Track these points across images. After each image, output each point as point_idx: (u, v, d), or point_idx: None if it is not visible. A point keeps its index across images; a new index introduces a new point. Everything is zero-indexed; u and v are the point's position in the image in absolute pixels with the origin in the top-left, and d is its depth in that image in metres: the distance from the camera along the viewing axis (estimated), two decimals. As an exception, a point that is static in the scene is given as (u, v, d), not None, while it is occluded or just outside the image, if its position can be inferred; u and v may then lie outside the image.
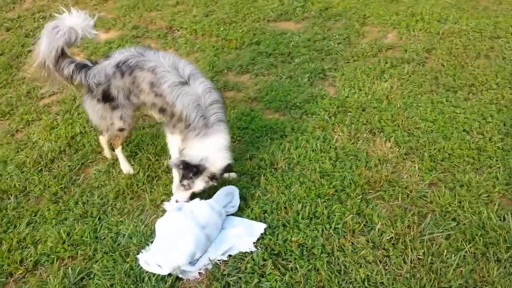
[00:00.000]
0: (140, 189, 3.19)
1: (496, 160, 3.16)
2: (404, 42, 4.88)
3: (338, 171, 3.16)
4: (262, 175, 3.19)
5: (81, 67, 3.03)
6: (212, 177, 2.88)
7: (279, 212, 2.88)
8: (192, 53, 5.11)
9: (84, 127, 3.88)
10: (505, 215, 2.72)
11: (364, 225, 2.74)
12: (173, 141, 3.09)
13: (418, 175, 3.08)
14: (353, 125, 3.62)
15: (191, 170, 2.82)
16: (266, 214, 2.87)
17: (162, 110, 3.01)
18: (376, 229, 2.67)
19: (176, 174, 3.07)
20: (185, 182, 2.89)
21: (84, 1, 6.74)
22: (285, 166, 3.27)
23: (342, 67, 4.50)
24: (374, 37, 5.08)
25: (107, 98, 3.04)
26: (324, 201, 2.92)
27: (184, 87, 2.87)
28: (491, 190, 2.92)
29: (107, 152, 3.52)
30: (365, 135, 3.50)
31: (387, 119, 3.63)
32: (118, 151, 3.39)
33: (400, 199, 2.91)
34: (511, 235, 2.59)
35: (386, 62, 4.48)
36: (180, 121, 2.90)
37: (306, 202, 2.91)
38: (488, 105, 3.73)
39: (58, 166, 3.50)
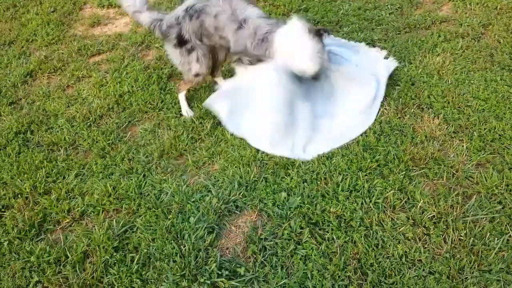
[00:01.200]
0: (184, 150, 3.25)
1: (550, 145, 3.02)
2: (460, 16, 4.65)
3: (382, 145, 3.11)
4: (304, 144, 3.19)
5: (156, 19, 3.35)
6: None
7: (318, 182, 2.88)
8: (239, 17, 5.06)
9: (132, 86, 3.95)
10: (555, 202, 2.63)
11: (406, 201, 2.70)
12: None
13: (465, 155, 2.99)
14: (400, 99, 3.53)
15: None
16: (305, 184, 2.88)
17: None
18: (418, 207, 2.64)
19: None
20: None
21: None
22: (327, 137, 3.25)
23: (393, 38, 4.35)
24: (428, 8, 4.86)
25: (181, 41, 3.28)
26: (366, 175, 2.89)
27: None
28: (541, 175, 2.81)
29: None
30: (412, 110, 3.41)
31: (437, 95, 3.51)
32: (181, 95, 3.59)
33: (445, 178, 2.84)
34: (560, 222, 2.50)
35: (439, 36, 4.30)
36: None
37: (347, 175, 2.90)
38: (546, 87, 3.55)
39: (106, 122, 3.60)
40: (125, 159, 3.21)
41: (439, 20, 4.59)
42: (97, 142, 3.39)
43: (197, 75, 3.40)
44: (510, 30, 4.33)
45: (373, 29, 4.55)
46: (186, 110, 3.59)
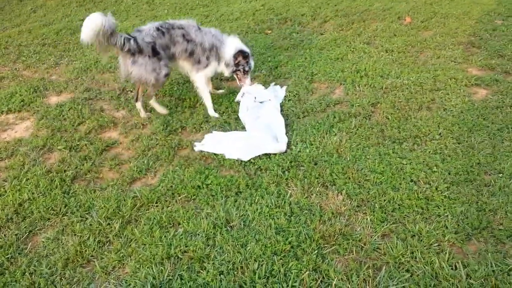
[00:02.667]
0: (91, 256, 3.07)
1: (444, 209, 3.27)
2: (351, 97, 5.11)
3: (293, 226, 3.17)
4: (219, 234, 3.16)
5: (128, 38, 4.36)
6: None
7: (235, 272, 2.83)
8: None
9: (33, 193, 3.74)
10: (456, 263, 2.79)
11: (321, 281, 2.73)
12: (201, 78, 4.89)
13: (370, 227, 3.14)
14: (306, 179, 3.69)
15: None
16: (222, 276, 2.81)
17: (191, 54, 4.73)
18: (333, 285, 2.67)
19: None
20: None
21: (35, 66, 6.70)
22: (240, 224, 3.26)
23: (293, 123, 4.63)
24: (322, 93, 5.29)
25: (155, 52, 4.50)
26: (281, 258, 2.91)
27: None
28: (441, 239, 3.00)
29: (144, 114, 4.99)
30: (318, 188, 3.57)
31: (338, 172, 3.73)
32: (153, 101, 4.97)
33: (354, 252, 2.93)
34: (463, 284, 2.64)
35: (335, 117, 4.65)
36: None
37: (263, 261, 2.89)
38: (433, 155, 3.91)
39: (4, 235, 3.32)
40: (26, 273, 2.95)
41: (333, 103, 4.99)
42: (-7, 258, 3.10)
43: (166, 75, 4.67)
44: (396, 106, 4.81)
45: (275, 115, 4.81)
46: (162, 110, 5.01)
